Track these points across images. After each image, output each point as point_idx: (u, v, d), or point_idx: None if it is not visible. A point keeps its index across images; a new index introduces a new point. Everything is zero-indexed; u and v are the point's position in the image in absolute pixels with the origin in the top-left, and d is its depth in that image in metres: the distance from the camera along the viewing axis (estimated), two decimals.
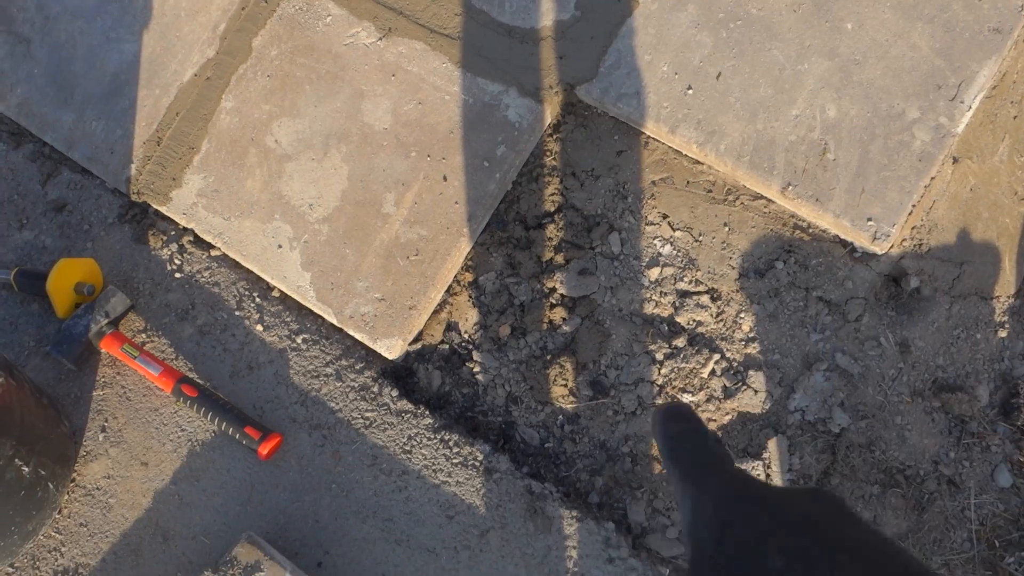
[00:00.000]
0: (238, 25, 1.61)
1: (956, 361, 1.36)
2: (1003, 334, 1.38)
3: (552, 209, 1.48)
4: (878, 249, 1.33)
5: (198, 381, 1.47)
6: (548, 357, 1.44)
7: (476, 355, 1.46)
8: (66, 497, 1.48)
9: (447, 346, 1.49)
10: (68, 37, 1.68)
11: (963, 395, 1.34)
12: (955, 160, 1.35)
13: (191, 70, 1.61)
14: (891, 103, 1.35)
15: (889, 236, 1.32)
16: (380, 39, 1.54)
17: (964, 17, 1.35)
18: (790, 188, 1.35)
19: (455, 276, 1.48)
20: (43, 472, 1.38)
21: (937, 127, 1.33)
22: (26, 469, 1.32)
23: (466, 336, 1.48)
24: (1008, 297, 1.40)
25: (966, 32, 1.35)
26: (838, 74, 1.37)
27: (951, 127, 1.33)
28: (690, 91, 1.41)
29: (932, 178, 1.33)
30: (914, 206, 1.33)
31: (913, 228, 1.35)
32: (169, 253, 1.57)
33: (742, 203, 1.40)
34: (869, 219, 1.33)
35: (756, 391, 1.36)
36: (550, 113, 1.48)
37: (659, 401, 1.39)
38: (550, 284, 1.45)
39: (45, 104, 1.67)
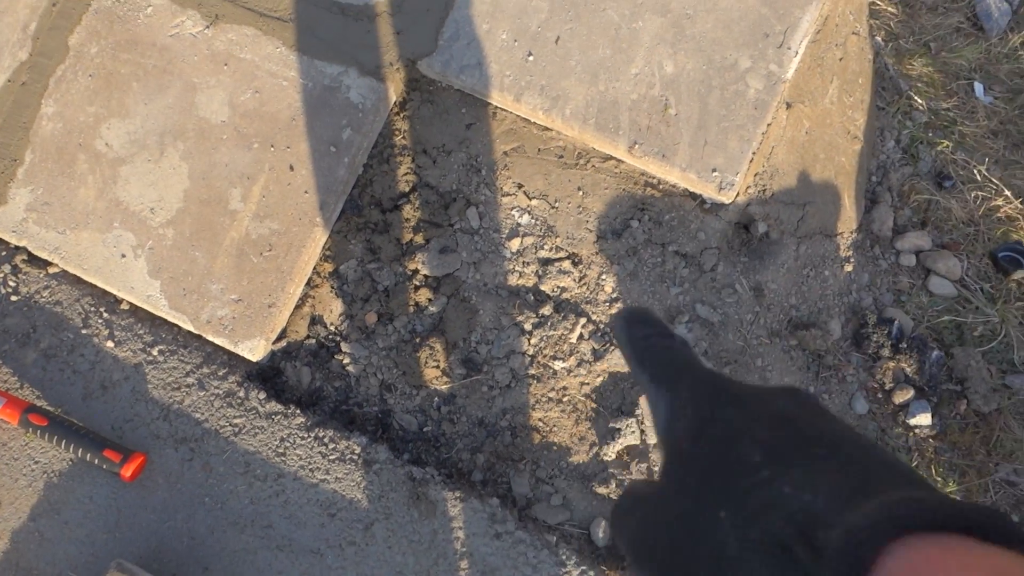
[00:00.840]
0: (50, 23, 1.49)
1: (808, 299, 1.42)
2: (849, 268, 1.44)
3: (407, 189, 1.44)
4: (725, 198, 1.36)
5: (47, 408, 1.38)
6: (418, 340, 1.41)
7: (344, 346, 1.42)
8: None
9: (313, 340, 1.44)
10: None
11: (817, 331, 1.39)
12: (788, 105, 1.39)
13: (3, 76, 1.49)
14: (724, 54, 1.37)
15: (734, 185, 1.35)
16: (207, 27, 1.46)
17: None
18: (636, 147, 1.37)
19: (314, 268, 1.43)
20: None
21: (768, 74, 1.36)
22: None
23: (332, 328, 1.44)
24: (850, 232, 1.46)
25: None
26: (672, 29, 1.39)
27: (781, 73, 1.36)
28: (531, 57, 1.40)
29: (768, 124, 1.37)
30: (754, 153, 1.36)
31: (756, 175, 1.39)
32: (2, 276, 1.46)
33: (593, 166, 1.41)
34: (714, 170, 1.35)
35: None
36: (394, 91, 1.44)
37: (532, 371, 1.39)
38: (412, 266, 1.42)
39: None
